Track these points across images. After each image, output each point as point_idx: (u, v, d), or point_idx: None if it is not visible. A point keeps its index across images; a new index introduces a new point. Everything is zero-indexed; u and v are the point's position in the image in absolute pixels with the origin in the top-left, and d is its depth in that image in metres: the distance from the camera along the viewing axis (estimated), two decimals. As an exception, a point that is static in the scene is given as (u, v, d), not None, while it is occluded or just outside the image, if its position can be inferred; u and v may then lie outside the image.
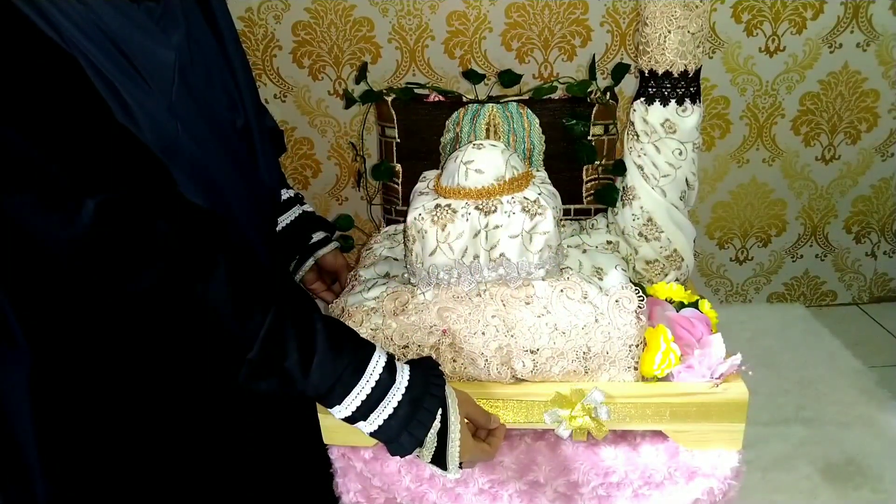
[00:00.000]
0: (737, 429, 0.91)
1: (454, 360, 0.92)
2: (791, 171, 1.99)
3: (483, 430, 0.89)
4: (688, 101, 1.04)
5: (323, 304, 1.14)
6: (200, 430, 0.87)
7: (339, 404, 0.78)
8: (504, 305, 0.91)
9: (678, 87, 1.04)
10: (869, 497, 1.44)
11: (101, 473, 0.84)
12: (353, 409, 0.78)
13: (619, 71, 1.17)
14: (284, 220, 1.14)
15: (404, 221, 0.96)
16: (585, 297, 0.90)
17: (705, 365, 0.91)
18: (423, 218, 0.92)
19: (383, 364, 0.79)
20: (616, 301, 0.90)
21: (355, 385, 0.77)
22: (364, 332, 0.92)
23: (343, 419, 0.79)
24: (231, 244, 0.77)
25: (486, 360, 0.91)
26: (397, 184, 1.23)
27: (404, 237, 0.97)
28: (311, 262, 1.16)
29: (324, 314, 0.81)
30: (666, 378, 0.92)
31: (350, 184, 1.93)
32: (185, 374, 0.83)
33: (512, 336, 0.90)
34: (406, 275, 1.00)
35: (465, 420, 0.85)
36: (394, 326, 0.92)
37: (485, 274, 0.92)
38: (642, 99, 1.07)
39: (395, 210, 1.25)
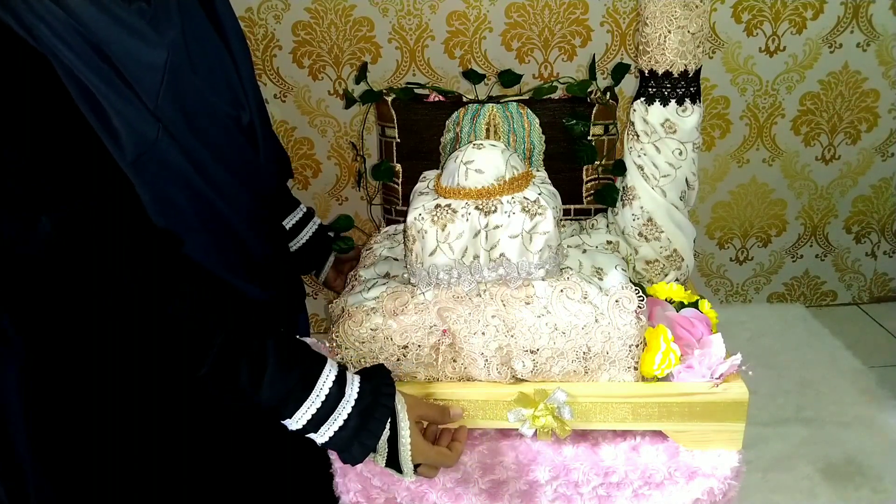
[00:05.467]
0: (737, 429, 0.91)
1: (454, 360, 0.92)
2: (791, 171, 1.99)
3: (447, 435, 0.90)
4: (688, 101, 1.04)
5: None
6: (198, 427, 0.87)
7: (290, 418, 0.80)
8: (504, 305, 0.91)
9: (678, 87, 1.04)
10: (869, 497, 1.44)
11: (94, 470, 0.83)
12: (304, 422, 0.80)
13: (619, 71, 1.17)
14: (304, 237, 1.18)
15: (404, 221, 0.96)
16: (585, 297, 0.90)
17: (705, 365, 0.91)
18: (423, 218, 0.92)
19: (333, 378, 0.81)
20: (616, 301, 0.90)
21: (305, 400, 0.79)
22: (364, 332, 0.92)
23: (296, 431, 0.81)
24: (188, 265, 0.79)
25: (486, 360, 0.91)
26: (397, 184, 1.23)
27: (404, 237, 0.97)
28: (330, 260, 1.21)
29: (280, 332, 0.82)
30: (666, 378, 0.92)
31: (350, 184, 1.93)
32: (181, 373, 0.83)
33: (512, 336, 0.90)
34: (406, 275, 1.00)
35: (422, 423, 0.88)
36: (394, 326, 0.92)
37: (485, 274, 0.92)
38: (642, 99, 1.07)
39: (395, 210, 1.25)
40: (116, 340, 0.79)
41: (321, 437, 0.80)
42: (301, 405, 0.79)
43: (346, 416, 0.80)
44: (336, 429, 0.80)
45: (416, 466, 0.85)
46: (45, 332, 0.79)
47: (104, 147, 0.73)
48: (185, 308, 0.75)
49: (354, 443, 0.81)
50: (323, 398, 0.79)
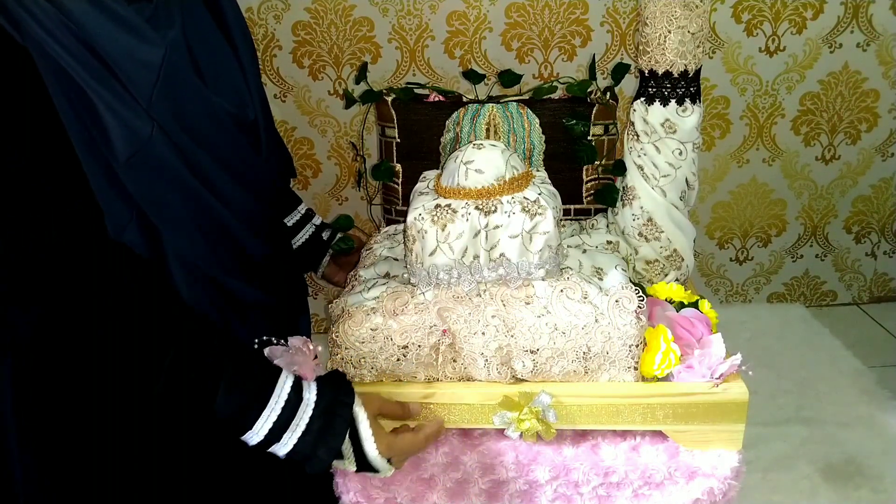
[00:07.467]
0: (737, 429, 0.91)
1: (454, 360, 0.92)
2: (791, 171, 1.99)
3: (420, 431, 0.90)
4: (688, 101, 1.04)
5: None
6: (197, 427, 0.86)
7: (251, 429, 0.78)
8: (504, 305, 0.91)
9: (678, 87, 1.04)
10: (869, 497, 1.44)
11: (88, 473, 0.83)
12: (266, 432, 0.78)
13: (619, 71, 1.17)
14: (302, 237, 1.18)
15: (404, 221, 0.96)
16: (585, 297, 0.90)
17: (705, 365, 0.91)
18: (423, 218, 0.92)
19: (290, 385, 0.80)
20: (616, 301, 0.90)
21: (264, 408, 0.78)
22: (364, 332, 0.92)
23: (258, 444, 0.79)
24: (143, 281, 0.78)
25: (486, 360, 0.91)
26: (397, 184, 1.23)
27: (404, 237, 0.97)
28: (326, 258, 1.21)
29: (235, 343, 0.82)
30: (666, 378, 0.92)
31: (350, 184, 1.93)
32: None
33: (512, 336, 0.90)
34: (406, 275, 1.00)
35: (381, 417, 0.87)
36: (394, 326, 0.92)
37: (485, 274, 0.92)
38: (642, 99, 1.07)
39: (395, 210, 1.25)
40: (107, 343, 0.79)
41: (284, 446, 0.78)
42: (261, 414, 0.77)
43: (308, 420, 0.79)
44: (300, 434, 0.78)
45: (389, 462, 0.84)
46: (36, 329, 0.79)
47: (74, 154, 0.72)
48: (127, 328, 0.74)
49: (320, 446, 0.79)
50: (283, 404, 0.78)
